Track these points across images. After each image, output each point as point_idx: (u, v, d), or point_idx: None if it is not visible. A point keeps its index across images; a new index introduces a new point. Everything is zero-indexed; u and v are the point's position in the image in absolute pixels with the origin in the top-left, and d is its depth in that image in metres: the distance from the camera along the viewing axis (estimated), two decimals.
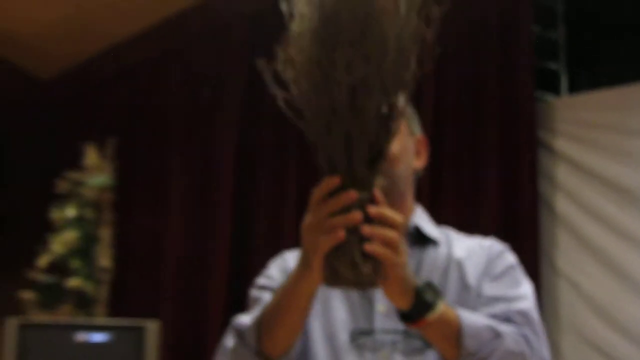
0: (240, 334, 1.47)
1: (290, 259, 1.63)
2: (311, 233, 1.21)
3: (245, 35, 5.45)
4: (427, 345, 1.46)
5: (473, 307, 1.50)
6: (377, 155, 1.18)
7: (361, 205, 1.16)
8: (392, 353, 1.50)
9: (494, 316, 1.45)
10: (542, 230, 4.34)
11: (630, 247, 4.15)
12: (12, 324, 4.95)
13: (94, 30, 5.94)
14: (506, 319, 1.44)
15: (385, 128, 1.20)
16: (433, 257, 1.63)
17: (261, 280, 1.64)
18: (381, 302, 1.54)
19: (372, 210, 1.16)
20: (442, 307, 1.32)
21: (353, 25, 1.18)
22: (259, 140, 5.36)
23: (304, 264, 1.28)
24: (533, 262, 4.17)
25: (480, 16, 4.24)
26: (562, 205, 4.37)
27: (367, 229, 1.15)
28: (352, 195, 1.15)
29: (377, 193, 1.18)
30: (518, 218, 4.29)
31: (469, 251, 1.62)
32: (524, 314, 1.46)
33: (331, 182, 1.18)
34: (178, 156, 5.84)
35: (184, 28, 5.76)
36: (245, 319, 1.49)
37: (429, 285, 1.32)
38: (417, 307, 1.29)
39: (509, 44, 4.23)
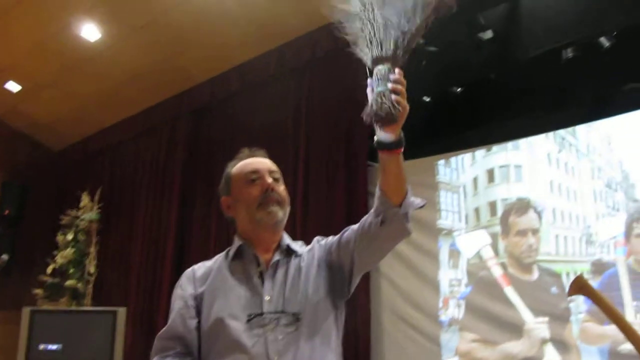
0: None
1: (197, 269, 1.71)
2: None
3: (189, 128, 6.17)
4: (298, 319, 1.59)
5: (331, 282, 1.70)
6: (407, 48, 1.43)
7: (389, 71, 1.38)
8: (275, 327, 1.57)
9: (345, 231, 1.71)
10: None
11: (422, 256, 4.85)
12: (26, 311, 5.50)
13: (89, 119, 6.84)
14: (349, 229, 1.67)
15: (411, 35, 1.42)
16: (296, 263, 1.75)
17: (176, 292, 1.67)
18: (267, 295, 1.63)
19: (394, 77, 1.36)
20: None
21: None
22: (194, 191, 5.99)
23: None
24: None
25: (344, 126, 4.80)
26: None
27: (395, 88, 1.35)
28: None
29: (397, 68, 1.39)
30: None
31: (309, 252, 1.77)
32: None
33: None
34: (141, 200, 6.52)
35: (144, 122, 6.56)
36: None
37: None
38: (399, 140, 1.43)
39: (355, 134, 4.78)
